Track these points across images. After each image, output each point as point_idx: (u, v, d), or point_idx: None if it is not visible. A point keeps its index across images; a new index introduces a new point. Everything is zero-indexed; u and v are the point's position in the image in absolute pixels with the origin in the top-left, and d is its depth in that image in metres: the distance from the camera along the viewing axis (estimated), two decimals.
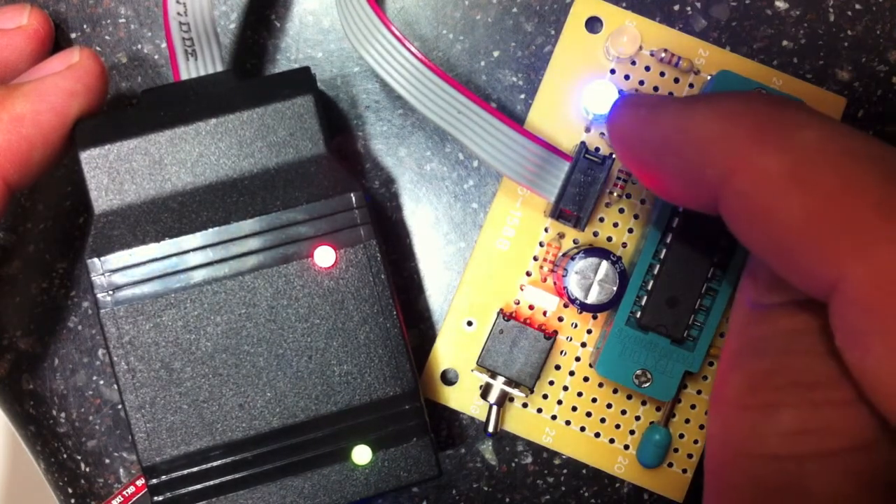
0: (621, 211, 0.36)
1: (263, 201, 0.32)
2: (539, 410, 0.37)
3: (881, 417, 0.22)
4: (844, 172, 0.22)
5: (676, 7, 0.36)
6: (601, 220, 0.36)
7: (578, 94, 0.36)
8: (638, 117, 0.28)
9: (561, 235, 0.36)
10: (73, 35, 0.37)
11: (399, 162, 0.37)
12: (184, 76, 0.33)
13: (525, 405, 0.37)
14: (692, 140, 0.25)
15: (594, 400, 0.36)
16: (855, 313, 0.21)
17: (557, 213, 0.34)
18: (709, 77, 0.35)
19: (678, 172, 0.25)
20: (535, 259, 0.36)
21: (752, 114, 0.24)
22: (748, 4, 0.36)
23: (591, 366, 0.36)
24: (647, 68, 0.36)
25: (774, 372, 0.24)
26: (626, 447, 0.36)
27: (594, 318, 0.36)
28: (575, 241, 0.36)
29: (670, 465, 0.37)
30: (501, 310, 0.36)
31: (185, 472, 0.31)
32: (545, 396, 0.37)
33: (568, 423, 0.36)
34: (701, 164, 0.24)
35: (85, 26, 0.37)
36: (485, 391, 0.36)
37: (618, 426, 0.36)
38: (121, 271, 0.31)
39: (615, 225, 0.36)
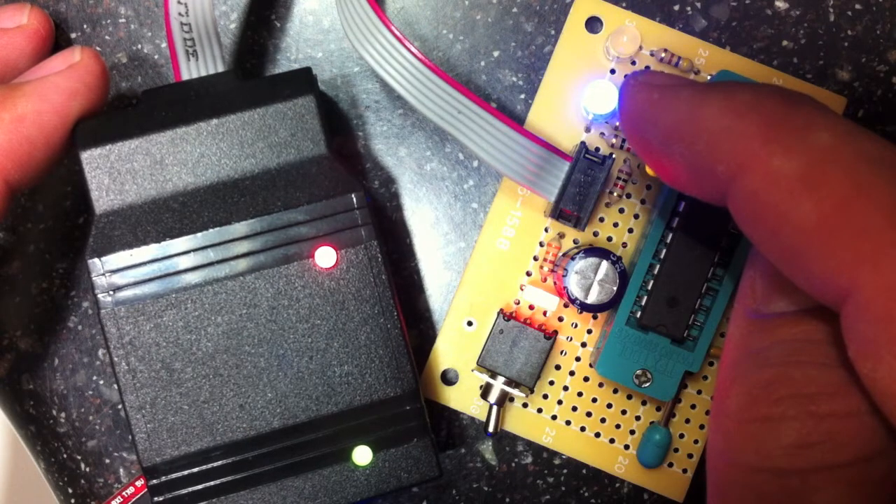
0: (621, 211, 0.36)
1: (264, 202, 0.32)
2: (539, 410, 0.37)
3: (889, 427, 0.22)
4: (857, 177, 0.21)
5: (676, 7, 0.36)
6: (601, 219, 0.36)
7: (578, 94, 0.36)
8: (650, 100, 0.27)
9: (561, 235, 0.36)
10: (73, 35, 0.37)
11: (399, 162, 0.37)
12: (185, 76, 0.33)
13: (525, 405, 0.37)
14: (703, 132, 0.24)
15: (594, 400, 0.36)
16: (867, 323, 0.21)
17: (557, 212, 0.34)
18: (709, 77, 0.35)
19: (686, 162, 0.25)
20: (536, 259, 0.36)
21: (766, 110, 0.23)
22: (748, 4, 0.36)
23: (591, 366, 0.36)
24: (647, 68, 0.36)
25: (775, 384, 0.24)
26: (627, 447, 0.36)
27: (594, 317, 0.36)
28: (575, 241, 0.36)
29: (670, 464, 0.37)
30: (501, 310, 0.36)
31: (186, 472, 0.31)
32: (545, 396, 0.37)
33: (568, 423, 0.36)
34: (710, 157, 0.24)
35: (85, 26, 0.37)
36: (485, 391, 0.36)
37: (618, 426, 0.36)
38: (121, 271, 0.31)
39: (615, 225, 0.36)
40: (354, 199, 0.32)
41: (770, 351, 0.25)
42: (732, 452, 0.25)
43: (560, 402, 0.36)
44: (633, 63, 0.36)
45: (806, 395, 0.23)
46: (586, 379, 0.36)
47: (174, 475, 0.31)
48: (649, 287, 0.34)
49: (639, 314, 0.34)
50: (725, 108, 0.24)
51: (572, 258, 0.34)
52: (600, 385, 0.36)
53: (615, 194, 0.36)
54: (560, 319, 0.36)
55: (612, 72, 0.36)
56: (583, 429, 0.36)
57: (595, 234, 0.36)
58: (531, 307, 0.36)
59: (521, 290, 0.36)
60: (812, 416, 0.23)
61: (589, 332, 0.36)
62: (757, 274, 0.26)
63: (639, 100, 0.27)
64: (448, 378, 0.37)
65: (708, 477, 0.26)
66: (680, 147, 0.25)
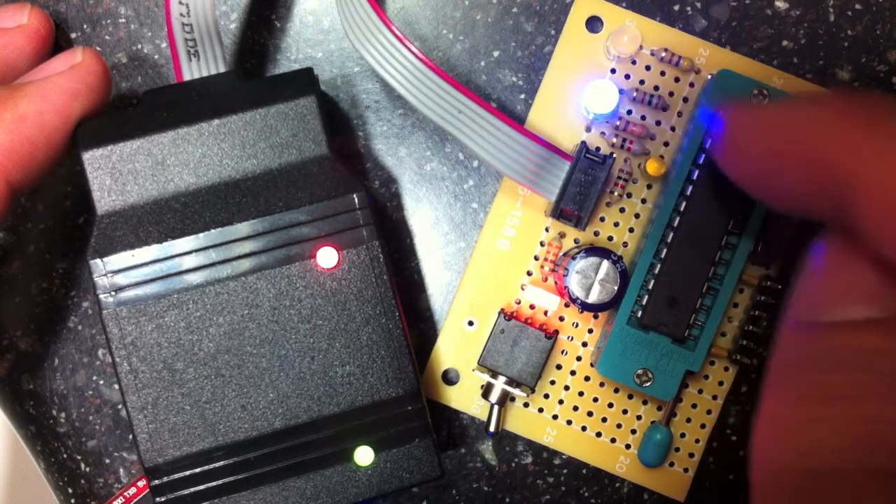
0: (622, 210, 0.36)
1: (266, 202, 0.32)
2: (540, 410, 0.37)
3: None
4: None
5: (676, 7, 0.36)
6: (602, 219, 0.36)
7: (579, 94, 0.36)
8: (763, 121, 0.27)
9: (562, 235, 0.36)
10: (73, 35, 0.37)
11: (399, 162, 0.37)
12: (186, 77, 0.33)
13: (526, 405, 0.37)
14: (819, 146, 0.24)
15: (595, 399, 0.36)
16: None
17: (558, 212, 0.34)
18: (709, 76, 0.35)
19: (800, 180, 0.25)
20: (536, 259, 0.36)
21: (880, 118, 0.23)
22: (748, 4, 0.36)
23: (592, 365, 0.36)
24: (648, 68, 0.36)
25: (823, 385, 0.24)
26: (628, 446, 0.36)
27: (595, 317, 0.36)
28: (576, 241, 0.36)
29: (671, 464, 0.37)
30: (502, 309, 0.36)
31: (188, 472, 0.31)
32: (546, 396, 0.37)
33: (569, 422, 0.37)
34: (832, 170, 0.24)
35: (85, 26, 0.37)
36: (486, 391, 0.36)
37: (619, 426, 0.36)
38: (123, 272, 0.31)
39: (616, 224, 0.36)
40: (356, 200, 0.32)
41: (821, 355, 0.24)
42: (775, 453, 0.24)
43: (561, 402, 0.36)
44: (634, 62, 0.36)
45: (855, 397, 0.23)
46: (587, 378, 0.36)
47: (176, 475, 0.31)
48: (650, 287, 0.34)
49: (640, 314, 0.34)
50: (846, 122, 0.24)
51: (573, 258, 0.34)
52: (601, 385, 0.36)
53: (616, 194, 0.36)
54: (561, 319, 0.36)
55: (613, 71, 0.36)
56: (584, 428, 0.37)
57: (596, 233, 0.36)
58: (532, 307, 0.36)
59: (522, 289, 0.36)
60: (861, 420, 0.23)
61: (590, 331, 0.36)
62: (810, 286, 0.26)
63: (749, 123, 0.27)
64: (449, 378, 0.37)
65: (752, 478, 0.26)
66: (792, 165, 0.25)
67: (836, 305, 0.25)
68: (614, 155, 0.34)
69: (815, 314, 0.25)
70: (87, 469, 0.38)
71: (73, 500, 0.38)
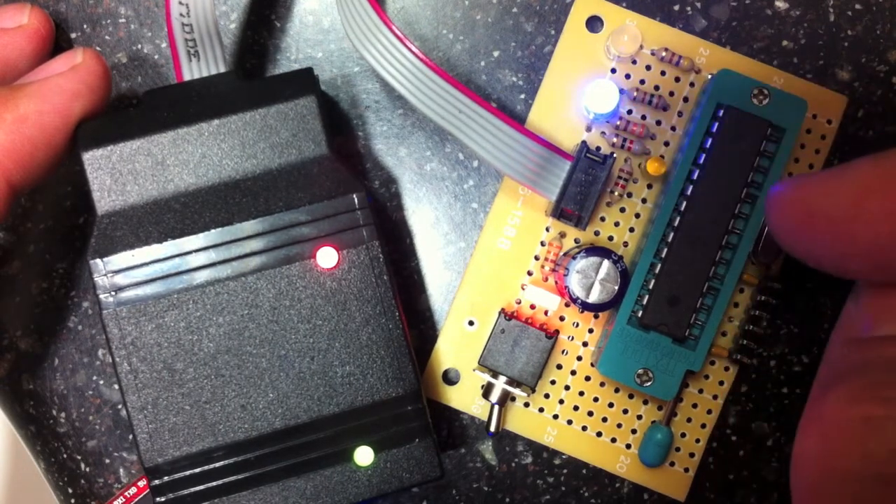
0: (622, 210, 0.36)
1: (266, 202, 0.32)
2: (541, 410, 0.37)
3: None
4: None
5: (676, 7, 0.36)
6: (602, 219, 0.36)
7: (579, 94, 0.36)
8: (830, 184, 0.26)
9: (562, 235, 0.36)
10: (73, 35, 0.37)
11: (399, 162, 0.37)
12: (186, 77, 0.33)
13: (527, 405, 0.37)
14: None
15: (596, 399, 0.36)
16: None
17: (559, 212, 0.34)
18: (709, 76, 0.35)
19: (874, 243, 0.24)
20: (537, 258, 0.36)
21: None
22: (748, 4, 0.36)
23: (592, 365, 0.36)
24: (648, 67, 0.36)
25: (880, 385, 0.23)
26: (628, 446, 0.36)
27: (596, 317, 0.36)
28: (576, 241, 0.36)
29: (672, 464, 0.37)
30: (503, 309, 0.36)
31: (188, 472, 0.31)
32: (547, 396, 0.37)
33: (570, 422, 0.36)
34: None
35: (85, 26, 0.37)
36: (486, 391, 0.36)
37: (619, 425, 0.36)
38: (123, 272, 0.31)
39: (616, 224, 0.36)
40: (356, 200, 0.32)
41: (875, 360, 0.24)
42: (830, 457, 0.23)
43: (562, 402, 0.36)
44: (634, 62, 0.36)
45: None
46: (588, 378, 0.36)
47: (176, 475, 0.31)
48: (650, 286, 0.34)
49: (640, 313, 0.34)
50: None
51: (573, 257, 0.34)
52: (602, 384, 0.36)
53: (616, 193, 0.36)
54: (561, 319, 0.36)
55: (613, 71, 0.36)
56: (584, 428, 0.36)
57: (596, 233, 0.36)
58: (532, 307, 0.36)
59: (523, 289, 0.36)
60: None
61: (590, 331, 0.36)
62: (860, 307, 0.26)
63: (817, 189, 0.27)
64: (449, 378, 0.37)
65: (795, 485, 0.25)
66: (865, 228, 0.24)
67: (885, 322, 0.25)
68: (615, 154, 0.34)
69: (866, 330, 0.25)
70: (87, 469, 0.38)
71: (73, 500, 0.38)
